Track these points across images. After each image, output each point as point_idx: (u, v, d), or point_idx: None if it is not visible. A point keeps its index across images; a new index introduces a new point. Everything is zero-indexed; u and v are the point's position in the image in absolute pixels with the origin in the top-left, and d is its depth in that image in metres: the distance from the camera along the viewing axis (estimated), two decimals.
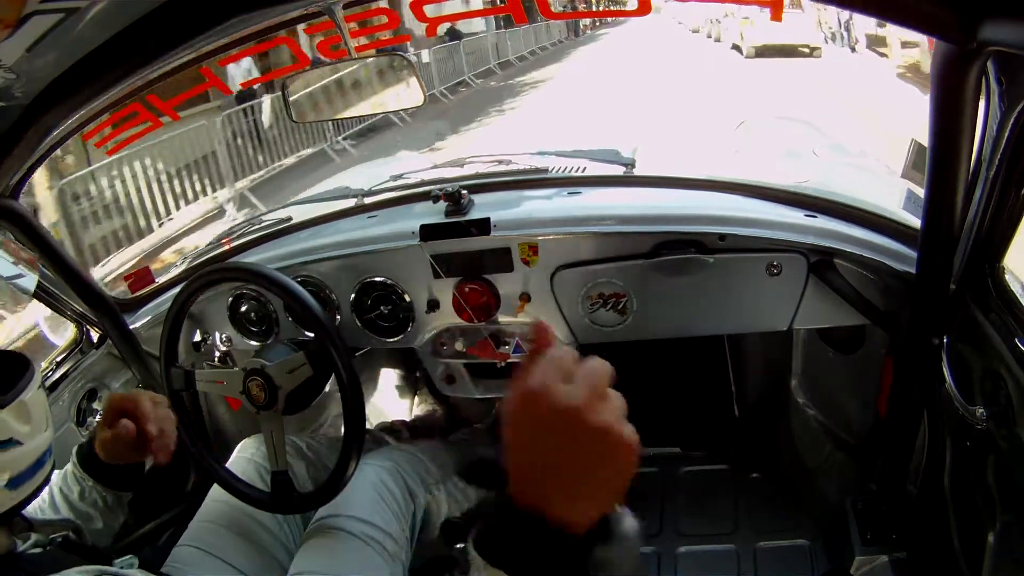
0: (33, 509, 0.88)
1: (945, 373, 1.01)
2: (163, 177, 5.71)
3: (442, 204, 1.32)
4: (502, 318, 1.36)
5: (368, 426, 1.51)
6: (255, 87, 6.88)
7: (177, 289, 1.21)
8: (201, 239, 4.84)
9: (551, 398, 0.43)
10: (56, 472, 0.96)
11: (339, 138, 7.81)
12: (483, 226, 1.29)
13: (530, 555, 0.42)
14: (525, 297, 1.33)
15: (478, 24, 12.26)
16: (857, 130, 5.06)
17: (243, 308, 1.47)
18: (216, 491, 1.17)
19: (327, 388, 1.32)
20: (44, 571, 0.73)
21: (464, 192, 1.34)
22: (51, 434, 0.83)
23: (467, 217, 1.31)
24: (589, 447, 0.43)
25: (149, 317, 1.49)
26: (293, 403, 1.10)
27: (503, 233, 1.29)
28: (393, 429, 1.82)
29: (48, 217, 4.80)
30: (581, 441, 0.43)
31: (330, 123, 7.27)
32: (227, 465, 1.21)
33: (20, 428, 0.77)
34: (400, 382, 2.09)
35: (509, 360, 1.39)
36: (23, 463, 0.78)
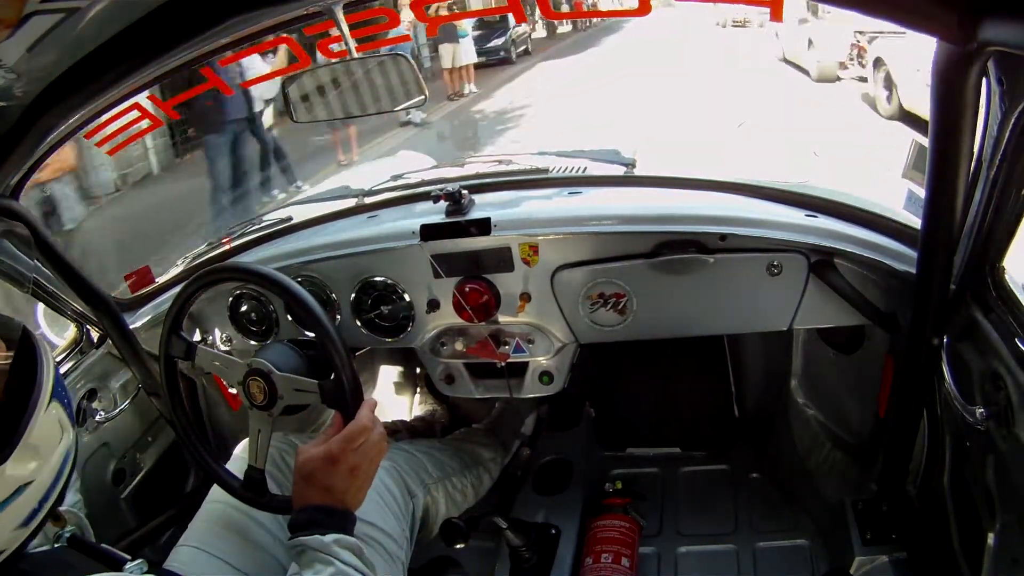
0: None
1: (945, 373, 1.01)
2: None
3: (442, 204, 1.32)
4: (502, 318, 1.36)
5: None
6: None
7: (177, 289, 1.21)
8: None
9: (343, 459, 0.89)
10: None
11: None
12: (483, 226, 1.29)
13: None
14: (525, 297, 1.33)
15: None
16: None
17: (243, 308, 1.47)
18: (216, 491, 1.17)
19: None
20: (53, 572, 0.72)
21: (464, 192, 1.33)
22: (69, 439, 0.75)
23: (467, 217, 1.31)
24: (357, 480, 0.90)
25: (149, 317, 1.49)
26: (289, 408, 1.10)
27: (503, 233, 1.29)
28: (392, 429, 1.82)
29: None
30: (353, 477, 0.90)
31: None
32: (227, 465, 1.21)
33: (28, 469, 0.68)
34: (400, 381, 2.10)
35: (509, 360, 1.39)
36: (38, 496, 0.70)
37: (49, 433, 0.71)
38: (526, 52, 13.79)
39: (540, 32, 16.88)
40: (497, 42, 12.66)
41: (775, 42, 9.96)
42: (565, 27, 17.91)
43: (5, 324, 0.73)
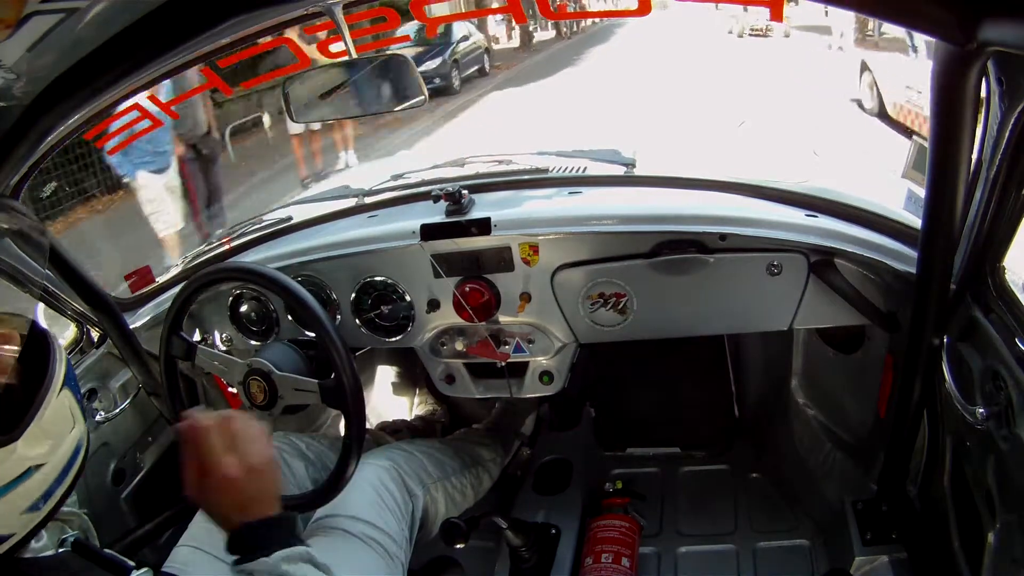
0: None
1: (945, 373, 1.01)
2: None
3: (443, 204, 1.32)
4: (502, 318, 1.36)
5: (368, 426, 1.51)
6: None
7: (177, 289, 1.21)
8: None
9: (215, 470, 0.81)
10: None
11: None
12: (484, 226, 1.29)
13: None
14: (525, 297, 1.33)
15: None
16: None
17: (243, 308, 1.47)
18: None
19: None
20: None
21: (464, 192, 1.33)
22: (80, 431, 0.76)
23: (468, 217, 1.31)
24: (254, 473, 0.81)
25: (149, 317, 1.49)
26: (290, 408, 1.10)
27: (504, 233, 1.29)
28: (393, 428, 1.82)
29: None
30: (250, 474, 0.80)
31: None
32: None
33: (39, 451, 0.69)
34: (400, 381, 2.09)
35: (509, 360, 1.39)
36: (47, 481, 0.70)
37: (60, 419, 0.72)
38: (481, 72, 10.33)
39: (513, 41, 13.59)
40: (430, 65, 8.75)
41: (855, 74, 5.98)
42: (546, 33, 14.62)
43: (14, 320, 0.74)
